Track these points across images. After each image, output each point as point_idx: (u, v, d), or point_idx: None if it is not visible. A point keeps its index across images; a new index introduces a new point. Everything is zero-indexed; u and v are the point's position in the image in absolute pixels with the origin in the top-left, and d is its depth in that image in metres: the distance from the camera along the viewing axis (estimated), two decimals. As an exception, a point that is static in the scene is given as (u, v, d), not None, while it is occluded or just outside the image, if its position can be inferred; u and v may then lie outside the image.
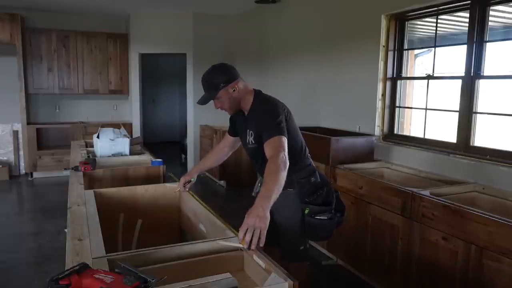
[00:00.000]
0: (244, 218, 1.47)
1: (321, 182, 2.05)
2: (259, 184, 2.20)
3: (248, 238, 1.43)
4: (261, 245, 1.45)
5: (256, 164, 2.12)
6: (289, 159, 1.90)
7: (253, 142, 1.94)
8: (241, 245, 1.50)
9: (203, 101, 1.96)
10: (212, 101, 1.99)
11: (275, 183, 1.60)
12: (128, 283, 1.10)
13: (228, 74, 1.94)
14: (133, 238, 2.23)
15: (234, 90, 1.93)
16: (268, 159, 1.72)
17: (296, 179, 1.99)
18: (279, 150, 1.71)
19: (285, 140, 1.77)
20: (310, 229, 1.96)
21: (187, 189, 2.29)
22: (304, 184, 2.00)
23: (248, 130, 1.98)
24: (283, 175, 1.64)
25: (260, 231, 1.44)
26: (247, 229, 1.44)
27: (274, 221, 2.06)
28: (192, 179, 2.30)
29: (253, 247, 1.43)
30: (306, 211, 1.94)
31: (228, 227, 1.70)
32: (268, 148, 1.76)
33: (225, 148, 2.31)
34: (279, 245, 2.07)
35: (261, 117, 1.88)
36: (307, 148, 2.11)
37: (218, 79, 1.92)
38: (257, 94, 2.01)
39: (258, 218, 1.45)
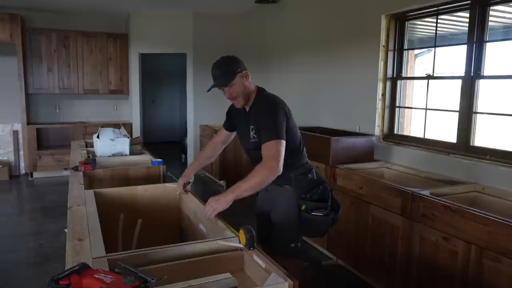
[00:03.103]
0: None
1: (317, 180, 2.07)
2: None
3: (206, 209, 1.77)
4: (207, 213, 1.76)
5: (253, 161, 2.12)
6: (287, 157, 1.91)
7: (255, 137, 1.96)
8: (241, 245, 1.50)
9: (219, 85, 1.94)
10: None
11: (250, 184, 1.74)
12: (128, 283, 1.10)
13: (242, 63, 1.99)
14: (133, 238, 2.23)
15: (247, 78, 1.97)
16: (263, 159, 1.78)
17: (294, 176, 2.01)
18: (274, 157, 1.76)
19: (283, 144, 1.81)
20: (306, 225, 1.98)
21: (188, 191, 2.29)
22: (301, 180, 2.02)
23: (250, 126, 1.99)
24: (264, 180, 1.75)
25: (215, 209, 1.75)
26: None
27: (269, 219, 2.06)
28: (190, 180, 2.29)
29: (211, 216, 1.76)
30: (303, 207, 1.97)
31: (228, 227, 1.70)
32: (265, 149, 1.81)
33: (219, 143, 2.32)
34: (269, 241, 2.08)
35: (263, 115, 1.90)
36: (304, 147, 2.12)
37: (234, 65, 1.95)
38: (260, 91, 2.04)
39: (215, 200, 1.75)
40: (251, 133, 1.98)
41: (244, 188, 1.75)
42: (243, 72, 1.96)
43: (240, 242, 1.50)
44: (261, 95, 2.01)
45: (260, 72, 5.81)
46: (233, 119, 2.19)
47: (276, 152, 1.77)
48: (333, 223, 2.05)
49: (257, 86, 2.05)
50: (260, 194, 2.20)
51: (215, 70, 1.96)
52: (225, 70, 1.93)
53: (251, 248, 1.46)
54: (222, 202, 1.75)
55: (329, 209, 2.01)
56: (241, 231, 1.48)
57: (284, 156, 1.84)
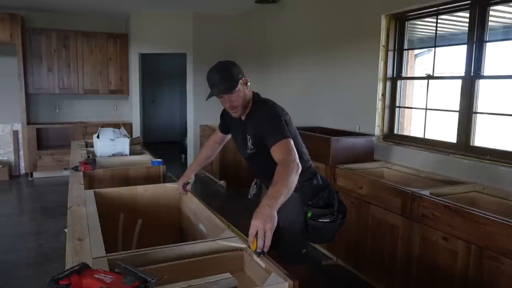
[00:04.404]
0: (251, 220, 1.37)
1: (322, 185, 2.00)
2: (255, 186, 2.18)
3: (260, 243, 1.34)
4: (267, 247, 1.36)
5: (253, 170, 2.10)
6: None
7: (252, 148, 1.89)
8: (242, 245, 1.50)
9: (222, 92, 1.79)
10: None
11: (284, 185, 1.51)
12: (128, 283, 1.10)
13: (241, 69, 1.87)
14: (133, 238, 2.23)
15: (247, 85, 1.86)
16: (278, 162, 1.65)
17: (298, 183, 1.94)
18: (290, 154, 1.64)
19: (292, 142, 1.71)
20: (313, 232, 1.93)
21: (188, 191, 2.28)
22: (306, 187, 1.96)
23: (247, 136, 1.90)
24: (294, 179, 1.56)
25: (270, 231, 1.36)
26: (257, 232, 1.35)
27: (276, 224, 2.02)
28: (190, 180, 2.28)
29: (265, 249, 1.35)
30: (309, 215, 1.91)
31: (228, 227, 1.70)
32: (277, 151, 1.68)
33: (216, 144, 2.29)
34: (278, 247, 2.01)
35: (264, 121, 1.80)
36: (306, 150, 2.07)
37: (235, 71, 1.81)
38: (255, 96, 1.94)
39: (265, 218, 1.36)
40: (248, 144, 1.90)
41: (282, 193, 1.49)
42: (244, 78, 1.83)
43: (249, 247, 1.40)
44: (258, 102, 1.91)
45: (260, 72, 5.81)
46: (228, 124, 2.12)
47: (287, 151, 1.66)
48: (340, 226, 1.98)
49: (252, 91, 1.94)
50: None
51: (214, 76, 1.80)
52: (227, 76, 1.79)
53: (261, 255, 1.37)
54: (271, 218, 1.38)
55: (336, 214, 1.95)
56: (255, 240, 1.35)
57: None
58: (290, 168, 1.58)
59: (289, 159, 1.62)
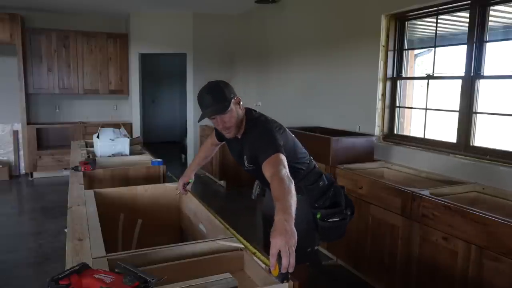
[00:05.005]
0: (270, 240, 1.25)
1: (327, 184, 1.99)
2: (258, 187, 2.18)
3: (285, 261, 1.19)
4: (292, 266, 1.21)
5: (257, 179, 2.10)
6: (294, 168, 1.83)
7: (251, 165, 1.87)
8: (242, 245, 1.50)
9: (215, 113, 1.75)
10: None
11: (290, 196, 1.43)
12: (128, 283, 1.10)
13: (233, 88, 1.83)
14: (133, 238, 2.24)
15: (239, 104, 1.82)
16: (269, 178, 1.59)
17: (304, 186, 1.93)
18: (279, 167, 1.57)
19: (283, 157, 1.65)
20: (324, 232, 1.93)
21: (188, 191, 2.28)
22: (313, 189, 1.95)
23: (244, 156, 1.88)
24: (292, 187, 1.49)
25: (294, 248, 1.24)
26: (279, 251, 1.22)
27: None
28: (190, 180, 2.29)
29: (291, 269, 1.21)
30: (318, 216, 1.90)
31: (228, 227, 1.70)
32: (267, 167, 1.62)
33: (213, 146, 2.28)
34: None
35: (256, 140, 1.77)
36: (308, 153, 2.05)
37: (227, 91, 1.77)
38: (248, 114, 1.90)
39: (286, 234, 1.24)
40: (246, 163, 1.88)
41: (291, 204, 1.41)
42: (236, 98, 1.79)
43: (270, 272, 1.29)
44: (252, 120, 1.86)
45: (260, 72, 5.81)
46: (223, 136, 2.05)
47: (279, 163, 1.61)
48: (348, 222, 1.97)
49: (244, 108, 1.87)
50: (268, 198, 2.10)
51: (206, 97, 1.76)
52: (219, 96, 1.74)
53: (285, 280, 1.26)
54: (292, 233, 1.28)
55: (344, 212, 1.93)
56: (276, 264, 1.23)
57: (291, 169, 1.69)
58: (283, 180, 1.52)
59: (279, 171, 1.56)
